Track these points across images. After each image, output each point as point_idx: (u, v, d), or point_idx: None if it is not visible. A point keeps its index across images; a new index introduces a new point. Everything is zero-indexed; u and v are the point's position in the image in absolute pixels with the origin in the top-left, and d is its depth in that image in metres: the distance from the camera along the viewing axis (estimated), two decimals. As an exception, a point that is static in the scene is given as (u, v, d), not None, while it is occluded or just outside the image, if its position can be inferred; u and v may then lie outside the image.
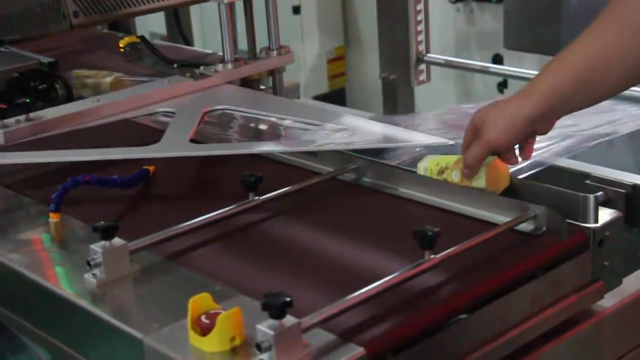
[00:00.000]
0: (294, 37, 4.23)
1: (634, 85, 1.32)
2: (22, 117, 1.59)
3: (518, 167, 1.46)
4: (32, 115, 1.60)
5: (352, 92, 4.55)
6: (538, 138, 1.38)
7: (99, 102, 1.69)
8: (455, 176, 1.35)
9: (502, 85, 3.64)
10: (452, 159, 1.37)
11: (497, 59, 3.74)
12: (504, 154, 1.34)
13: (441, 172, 1.37)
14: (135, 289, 1.19)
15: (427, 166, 1.39)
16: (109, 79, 1.90)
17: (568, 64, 1.28)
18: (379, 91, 2.59)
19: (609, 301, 1.28)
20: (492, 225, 1.25)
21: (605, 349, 1.29)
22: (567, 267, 1.21)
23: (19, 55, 1.95)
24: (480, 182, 1.33)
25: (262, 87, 1.94)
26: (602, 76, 1.27)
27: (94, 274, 1.18)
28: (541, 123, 1.31)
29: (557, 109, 1.30)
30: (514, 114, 1.29)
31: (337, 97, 4.34)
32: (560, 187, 1.30)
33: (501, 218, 1.27)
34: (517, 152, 1.36)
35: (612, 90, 1.31)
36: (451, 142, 1.45)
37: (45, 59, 1.90)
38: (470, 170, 1.32)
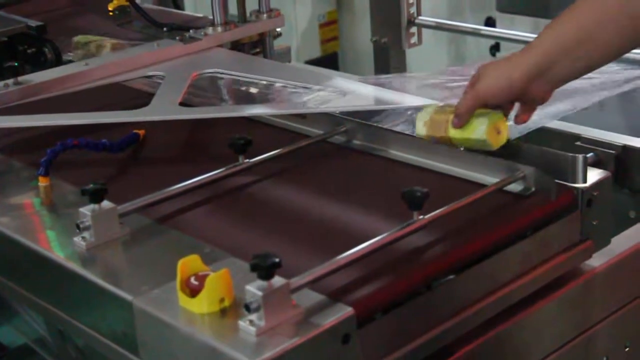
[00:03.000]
0: (286, 1, 4.20)
1: (636, 46, 1.27)
2: (10, 81, 1.58)
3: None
4: (20, 79, 1.59)
5: (345, 56, 4.52)
6: None
7: (87, 65, 1.68)
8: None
9: (495, 49, 3.63)
10: (446, 111, 1.31)
11: (490, 22, 3.72)
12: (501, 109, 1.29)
13: (438, 125, 1.30)
14: (124, 251, 1.19)
15: (422, 117, 1.32)
16: (109, 44, 1.88)
17: (568, 21, 1.23)
18: (372, 55, 2.57)
19: (598, 260, 1.29)
20: (482, 186, 1.25)
21: (594, 308, 1.30)
22: (556, 226, 1.22)
23: (6, 19, 1.93)
24: (479, 133, 1.26)
25: (252, 50, 1.93)
26: (602, 34, 1.23)
27: (83, 237, 1.18)
28: (538, 83, 1.24)
29: (558, 64, 1.23)
30: (511, 67, 1.24)
31: (329, 61, 4.31)
32: (551, 149, 1.30)
33: (490, 179, 1.27)
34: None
35: (612, 50, 1.26)
36: (440, 103, 1.44)
37: (34, 23, 1.88)
38: (458, 120, 1.27)
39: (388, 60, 2.47)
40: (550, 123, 1.61)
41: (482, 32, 2.60)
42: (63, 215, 1.30)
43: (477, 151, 1.31)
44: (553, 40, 1.24)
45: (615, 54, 1.27)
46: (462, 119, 1.28)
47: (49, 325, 1.77)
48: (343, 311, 1.00)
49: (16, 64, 1.63)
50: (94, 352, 1.46)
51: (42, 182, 1.36)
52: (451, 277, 1.12)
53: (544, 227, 1.21)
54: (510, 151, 1.32)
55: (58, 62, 1.81)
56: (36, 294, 1.27)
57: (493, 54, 3.63)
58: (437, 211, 1.15)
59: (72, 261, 1.17)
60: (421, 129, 1.33)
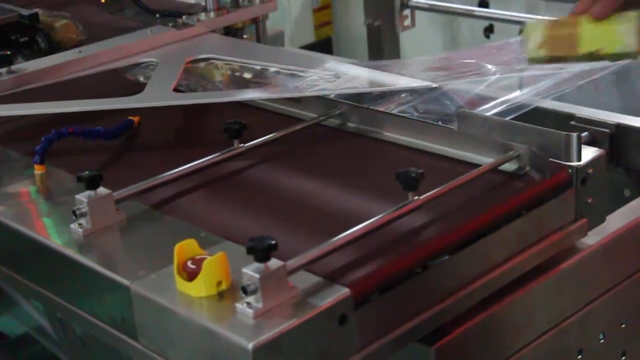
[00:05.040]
0: (279, -14, 4.19)
1: None
2: (3, 70, 1.58)
3: (501, 108, 1.46)
4: (14, 67, 1.59)
5: (339, 41, 4.51)
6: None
7: (81, 53, 1.68)
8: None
9: (489, 31, 3.62)
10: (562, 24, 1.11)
11: (483, 4, 3.71)
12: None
13: (561, 41, 1.10)
14: (121, 237, 1.20)
15: (535, 31, 1.12)
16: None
17: None
18: (366, 40, 2.57)
19: (593, 239, 1.29)
20: (476, 166, 1.26)
21: (589, 285, 1.30)
22: (551, 205, 1.22)
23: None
24: (626, 41, 1.06)
25: (245, 36, 1.93)
26: None
27: (80, 224, 1.19)
28: None
29: None
30: None
31: (323, 46, 4.31)
32: (545, 128, 1.30)
33: (484, 159, 1.27)
34: None
35: None
36: (434, 85, 1.44)
37: (26, 12, 1.88)
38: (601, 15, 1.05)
39: (381, 44, 2.48)
40: (544, 102, 1.61)
41: (476, 13, 2.60)
42: (59, 202, 1.30)
43: (472, 131, 1.32)
44: None
45: None
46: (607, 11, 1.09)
47: (49, 314, 1.78)
48: (340, 292, 1.01)
49: (9, 52, 1.63)
50: (94, 338, 1.47)
51: (38, 170, 1.36)
52: (447, 257, 1.12)
53: (539, 206, 1.21)
54: (503, 130, 1.32)
55: (51, 50, 1.81)
56: (34, 281, 1.28)
57: (487, 36, 3.63)
58: (432, 192, 1.15)
59: (69, 248, 1.17)
60: (536, 51, 1.15)
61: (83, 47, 1.74)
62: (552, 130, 1.28)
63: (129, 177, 1.27)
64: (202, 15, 1.83)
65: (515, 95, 1.54)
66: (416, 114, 1.48)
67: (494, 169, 1.24)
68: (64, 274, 1.20)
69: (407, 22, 2.40)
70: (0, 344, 2.23)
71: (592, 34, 1.08)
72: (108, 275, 1.11)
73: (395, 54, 2.48)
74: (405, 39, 2.58)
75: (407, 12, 2.39)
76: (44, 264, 1.23)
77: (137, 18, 2.05)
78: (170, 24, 1.81)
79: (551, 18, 1.15)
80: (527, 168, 1.24)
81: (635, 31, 1.06)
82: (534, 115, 1.58)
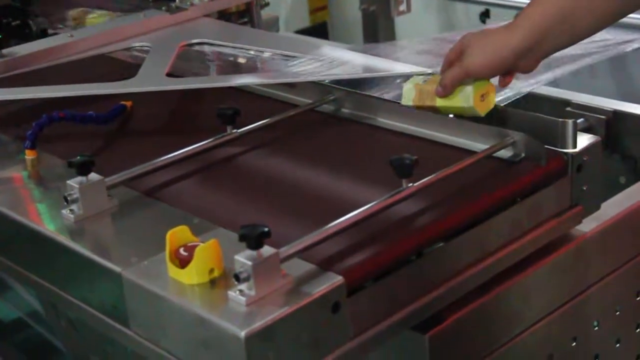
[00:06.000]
0: (274, -30, 4.16)
1: (619, 18, 1.30)
2: (-6, 54, 1.57)
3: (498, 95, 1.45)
4: (4, 51, 1.58)
5: (334, 26, 4.49)
6: None
7: (73, 37, 1.66)
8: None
9: (485, 15, 3.60)
10: (435, 80, 1.32)
11: (479, -11, 3.69)
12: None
13: (426, 95, 1.32)
14: (113, 224, 1.19)
15: (409, 87, 1.35)
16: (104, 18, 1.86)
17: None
18: (361, 24, 2.56)
19: (588, 226, 1.29)
20: (471, 152, 1.25)
21: (584, 273, 1.30)
22: (546, 192, 1.22)
23: (-11, -8, 1.91)
24: (466, 101, 1.28)
25: (239, 20, 1.91)
26: (587, 6, 1.25)
27: (71, 210, 1.18)
28: (527, 58, 1.28)
29: (544, 42, 1.26)
30: (499, 45, 1.27)
31: (318, 31, 4.29)
32: (540, 114, 1.30)
33: (480, 145, 1.26)
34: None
35: (598, 22, 1.28)
36: (429, 71, 1.43)
37: (17, -5, 1.86)
38: (444, 90, 1.29)
39: (377, 28, 2.47)
40: (540, 89, 1.61)
41: (472, -3, 2.58)
42: (51, 188, 1.29)
43: (466, 118, 1.31)
44: (539, 16, 1.26)
45: (602, 27, 1.29)
46: (448, 90, 1.30)
47: (42, 299, 1.77)
48: (333, 280, 1.00)
49: (0, 36, 1.61)
50: (86, 324, 1.46)
51: (29, 155, 1.35)
52: (441, 244, 1.11)
53: (534, 193, 1.20)
54: (499, 117, 1.31)
55: (43, 34, 1.80)
56: (26, 267, 1.27)
57: (483, 21, 3.60)
58: (426, 178, 1.14)
59: (61, 234, 1.16)
60: (408, 100, 1.34)
61: (75, 30, 1.72)
62: (548, 117, 1.27)
63: (121, 163, 1.26)
64: (196, 0, 1.81)
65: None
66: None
67: (489, 156, 1.23)
68: (56, 261, 1.19)
69: (403, 7, 2.39)
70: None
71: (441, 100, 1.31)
72: (100, 262, 1.10)
73: (390, 38, 2.47)
74: (401, 24, 2.57)
75: (402, -4, 2.38)
76: (35, 250, 1.22)
77: (131, 2, 2.03)
78: (163, 8, 1.79)
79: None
80: (523, 155, 1.23)
81: (472, 94, 1.27)
82: (530, 102, 1.57)
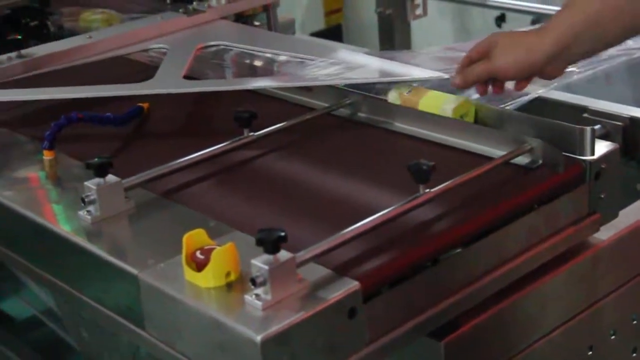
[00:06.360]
0: (289, -28, 4.16)
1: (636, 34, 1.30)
2: (13, 54, 1.57)
3: (512, 100, 1.45)
4: (23, 52, 1.58)
5: (349, 28, 4.49)
6: None
7: (91, 38, 1.67)
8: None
9: (501, 20, 3.59)
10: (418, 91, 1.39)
11: (496, -7, 3.68)
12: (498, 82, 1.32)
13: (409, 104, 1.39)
14: (130, 225, 1.19)
15: (394, 95, 1.41)
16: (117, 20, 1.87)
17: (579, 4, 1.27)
18: (376, 27, 2.56)
19: (606, 233, 1.28)
20: (488, 158, 1.24)
21: (602, 281, 1.29)
22: (564, 199, 1.21)
23: (10, -8, 1.92)
24: (444, 112, 1.34)
25: (256, 23, 1.91)
26: (615, 11, 1.25)
27: (88, 211, 1.18)
28: (555, 63, 1.28)
29: (573, 46, 1.27)
30: (530, 47, 1.27)
31: (333, 33, 4.29)
32: (558, 121, 1.29)
33: (497, 152, 1.26)
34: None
35: (626, 29, 1.28)
36: (446, 76, 1.43)
37: (36, -5, 1.87)
38: (464, 84, 1.31)
39: (392, 32, 2.46)
40: (556, 95, 1.60)
41: (489, 2, 2.58)
42: (68, 189, 1.29)
43: (484, 123, 1.31)
44: (570, 20, 1.26)
45: (623, 36, 1.29)
46: (468, 85, 1.30)
47: (57, 297, 1.77)
48: (349, 285, 1.00)
49: (19, 36, 1.62)
50: (100, 325, 1.46)
51: (47, 155, 1.35)
52: (458, 250, 1.11)
53: (551, 200, 1.20)
54: (516, 123, 1.31)
55: (61, 35, 1.80)
56: (42, 267, 1.27)
57: (499, 25, 3.60)
58: (444, 184, 1.14)
59: (78, 235, 1.17)
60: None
61: (93, 32, 1.73)
62: (566, 123, 1.27)
63: (138, 165, 1.27)
64: (213, 2, 1.82)
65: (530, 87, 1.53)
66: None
67: (506, 162, 1.22)
68: (72, 261, 1.19)
69: (419, 11, 2.38)
70: (6, 327, 2.23)
71: (424, 104, 1.38)
72: (116, 263, 1.10)
73: (406, 42, 2.47)
74: (416, 27, 2.57)
75: (418, 0, 2.37)
76: (52, 250, 1.22)
77: (148, 4, 2.04)
78: (180, 10, 1.80)
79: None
80: (540, 161, 1.23)
81: (451, 114, 1.34)
82: (546, 107, 1.56)
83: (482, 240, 1.13)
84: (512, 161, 1.23)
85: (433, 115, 1.36)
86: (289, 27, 2.03)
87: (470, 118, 1.35)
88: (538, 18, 2.56)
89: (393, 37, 2.43)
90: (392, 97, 1.41)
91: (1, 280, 2.13)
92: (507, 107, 1.42)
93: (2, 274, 1.97)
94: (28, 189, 1.32)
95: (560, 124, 1.27)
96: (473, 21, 3.88)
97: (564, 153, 1.22)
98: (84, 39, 1.67)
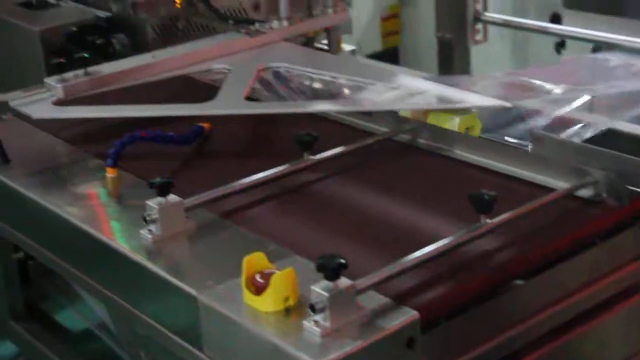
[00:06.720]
0: (348, -7, 4.18)
1: None
2: (80, 72, 1.60)
3: (576, 130, 1.43)
4: (90, 70, 1.61)
5: (406, 50, 4.49)
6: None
7: (155, 58, 1.69)
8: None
9: (560, 46, 3.56)
10: None
11: (556, 18, 3.64)
12: None
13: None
14: (190, 245, 1.20)
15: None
16: None
17: None
18: (433, 50, 2.55)
19: (670, 270, 1.26)
20: (550, 190, 1.23)
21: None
22: (627, 234, 1.19)
23: (77, 10, 1.96)
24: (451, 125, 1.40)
25: (317, 45, 1.92)
26: None
27: (149, 230, 1.19)
28: None
29: None
30: None
31: (390, 55, 4.29)
32: (621, 152, 1.27)
33: (560, 183, 1.24)
34: None
35: None
36: (508, 105, 1.42)
37: (103, 14, 1.90)
38: None
39: (452, 56, 2.45)
40: (621, 126, 1.58)
41: (550, 30, 2.56)
42: (129, 206, 1.31)
43: (546, 153, 1.29)
44: None
45: None
46: None
47: (113, 313, 1.79)
48: (408, 315, 0.99)
49: (86, 55, 1.65)
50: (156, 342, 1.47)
51: (110, 173, 1.38)
52: (518, 283, 1.10)
53: (615, 235, 1.18)
54: (580, 154, 1.29)
55: (125, 52, 1.83)
56: (101, 283, 1.29)
57: (558, 51, 3.56)
58: (505, 215, 1.13)
59: (138, 253, 1.18)
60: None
61: (156, 51, 1.75)
62: (631, 156, 1.25)
63: (199, 184, 1.28)
64: (275, 24, 1.83)
65: (590, 117, 1.51)
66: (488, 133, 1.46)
67: (570, 194, 1.21)
68: (131, 279, 1.21)
69: (479, 36, 2.37)
70: (61, 338, 2.25)
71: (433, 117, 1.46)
72: (175, 283, 1.11)
73: (465, 67, 2.45)
74: (474, 50, 2.55)
75: (479, 26, 2.36)
76: (112, 267, 1.24)
77: (210, 24, 2.06)
78: (243, 31, 1.81)
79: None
80: (604, 195, 1.21)
81: (457, 126, 1.40)
82: (611, 138, 1.54)
83: (542, 273, 1.11)
84: (575, 193, 1.21)
85: (493, 142, 1.35)
86: (350, 50, 2.03)
87: (476, 132, 1.39)
88: (599, 46, 2.53)
89: (452, 61, 2.42)
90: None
91: (58, 291, 2.16)
92: (576, 137, 1.40)
93: (60, 286, 2.00)
94: (90, 205, 1.35)
95: (624, 156, 1.25)
96: (532, 46, 3.85)
97: (628, 186, 1.20)
98: (148, 58, 1.69)
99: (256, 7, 1.93)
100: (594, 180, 1.22)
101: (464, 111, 1.42)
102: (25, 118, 1.55)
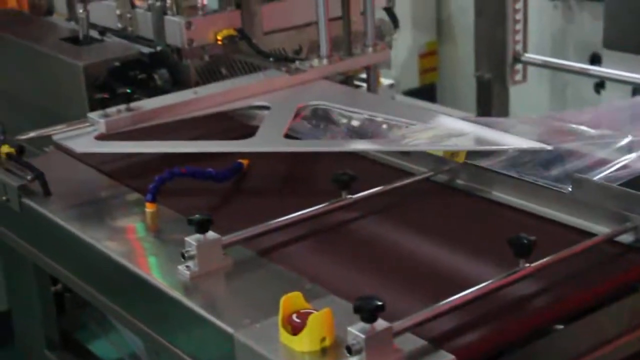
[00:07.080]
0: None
1: None
2: (122, 107, 1.62)
3: (614, 171, 1.42)
4: (132, 105, 1.63)
5: (444, 88, 4.50)
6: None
7: (196, 94, 1.71)
8: None
9: (600, 86, 3.54)
10: None
11: (595, 59, 3.63)
12: None
13: None
14: (227, 283, 1.21)
15: None
16: None
17: None
18: (471, 88, 2.55)
19: None
20: (589, 234, 1.22)
21: None
22: (668, 281, 1.17)
23: (121, 45, 1.99)
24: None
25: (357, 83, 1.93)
26: None
27: (187, 266, 1.20)
28: None
29: None
30: None
31: (427, 92, 4.30)
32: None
33: (599, 228, 1.24)
34: None
35: None
36: (549, 147, 1.41)
37: (146, 49, 1.93)
38: None
39: (490, 96, 2.45)
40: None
41: (590, 71, 2.55)
42: (167, 242, 1.32)
43: (586, 197, 1.28)
44: None
45: None
46: None
47: (147, 346, 1.80)
48: (445, 358, 0.99)
49: (129, 90, 1.67)
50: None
51: (149, 208, 1.39)
52: (556, 328, 1.09)
53: (656, 282, 1.17)
54: (619, 199, 1.28)
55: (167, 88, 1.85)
56: (137, 317, 1.30)
57: (597, 92, 3.55)
58: (545, 259, 1.12)
59: (176, 289, 1.19)
60: None
61: (198, 87, 1.77)
62: (673, 202, 1.23)
63: (237, 222, 1.29)
64: (315, 62, 1.84)
65: (630, 159, 1.49)
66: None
67: (610, 240, 1.20)
68: (168, 314, 1.21)
69: (519, 77, 2.37)
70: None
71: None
72: (212, 321, 1.11)
73: (504, 107, 2.45)
74: (514, 93, 2.55)
75: (519, 66, 2.36)
76: (149, 301, 1.25)
77: (251, 60, 2.08)
78: (283, 69, 1.83)
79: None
80: (645, 240, 1.20)
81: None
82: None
83: (582, 319, 1.10)
84: (616, 239, 1.20)
85: (532, 184, 1.35)
86: (388, 88, 2.04)
87: (460, 158, 1.42)
88: (638, 87, 2.52)
89: (491, 101, 2.42)
90: None
91: (93, 322, 2.17)
92: (615, 181, 1.39)
93: (95, 316, 2.01)
94: (129, 240, 1.36)
95: (666, 202, 1.24)
96: (571, 86, 3.83)
97: (669, 233, 1.19)
98: (189, 94, 1.71)
99: (298, 52, 1.96)
100: (634, 226, 1.20)
101: None
102: (67, 151, 1.57)
